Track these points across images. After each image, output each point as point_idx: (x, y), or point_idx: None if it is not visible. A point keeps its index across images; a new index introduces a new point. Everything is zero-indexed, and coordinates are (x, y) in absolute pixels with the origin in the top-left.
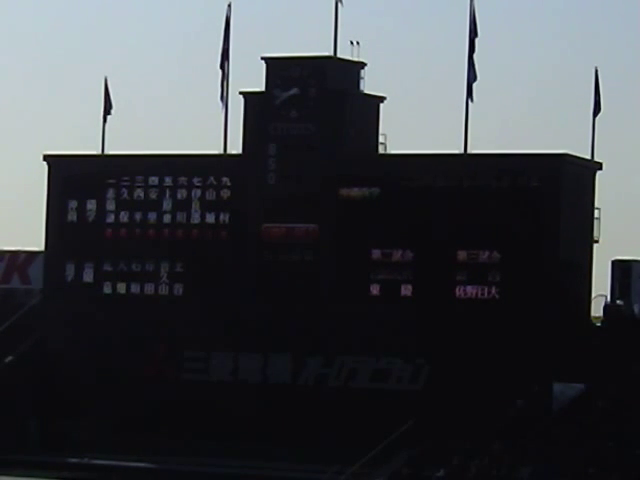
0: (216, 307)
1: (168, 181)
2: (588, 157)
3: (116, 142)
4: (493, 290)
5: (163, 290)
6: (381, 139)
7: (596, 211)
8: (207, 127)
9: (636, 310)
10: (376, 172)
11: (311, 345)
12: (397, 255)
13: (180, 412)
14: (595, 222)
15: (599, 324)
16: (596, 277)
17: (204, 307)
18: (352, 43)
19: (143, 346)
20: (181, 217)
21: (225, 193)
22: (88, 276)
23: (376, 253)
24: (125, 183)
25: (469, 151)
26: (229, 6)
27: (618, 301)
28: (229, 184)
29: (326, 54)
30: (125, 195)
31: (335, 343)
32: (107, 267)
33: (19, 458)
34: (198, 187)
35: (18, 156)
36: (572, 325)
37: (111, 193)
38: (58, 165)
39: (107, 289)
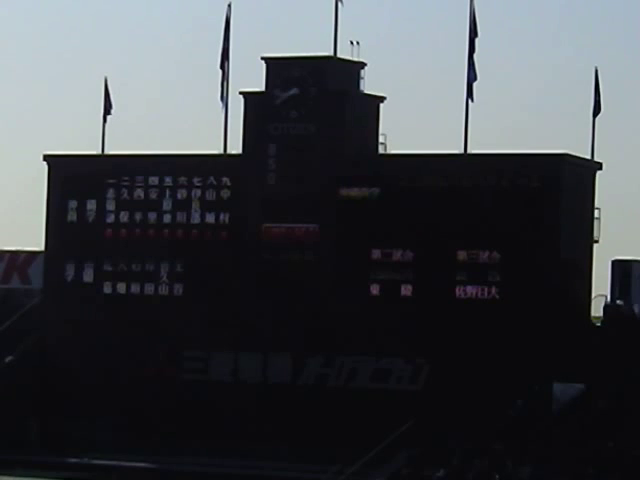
0: (216, 307)
1: (168, 181)
2: (588, 157)
3: (116, 142)
4: (493, 290)
5: (163, 290)
6: (381, 139)
7: (596, 211)
8: (207, 127)
9: (636, 310)
10: (376, 172)
11: (311, 345)
12: (397, 255)
13: (180, 412)
14: (595, 222)
15: (599, 324)
16: (596, 277)
17: (204, 307)
18: (352, 43)
19: (143, 346)
20: (181, 217)
21: (225, 193)
22: (88, 276)
23: (376, 253)
24: (125, 183)
25: (469, 151)
26: (229, 6)
27: (618, 301)
28: (229, 184)
29: (326, 54)
30: (125, 195)
31: (335, 343)
32: (107, 267)
33: (19, 458)
34: (198, 187)
35: (18, 156)
36: (572, 325)
37: (111, 193)
38: (58, 165)
39: (107, 289)
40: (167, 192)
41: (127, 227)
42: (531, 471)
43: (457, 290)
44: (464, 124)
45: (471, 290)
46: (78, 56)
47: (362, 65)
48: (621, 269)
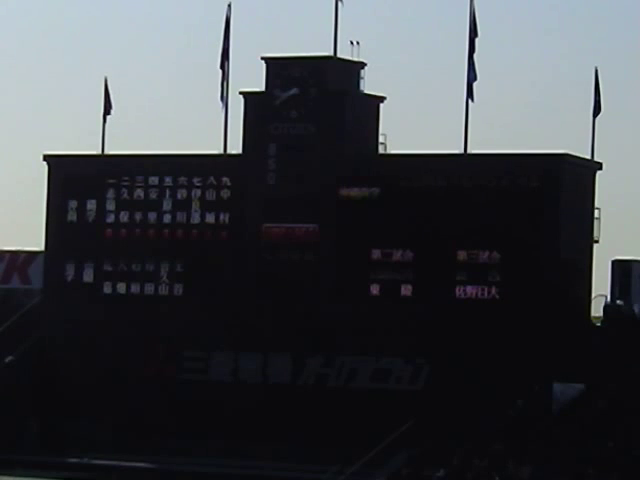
0: (216, 307)
1: (168, 181)
2: (588, 157)
3: (116, 142)
4: (493, 290)
5: (163, 290)
6: (381, 139)
7: (596, 211)
8: (207, 127)
9: (636, 310)
10: (376, 172)
11: (311, 345)
12: (397, 255)
13: (180, 412)
14: (595, 222)
15: (599, 324)
16: (596, 277)
17: (204, 307)
18: (352, 43)
19: (143, 346)
20: (181, 217)
21: (225, 193)
22: (88, 276)
23: (376, 253)
24: (125, 183)
25: (469, 151)
26: (229, 6)
27: (618, 301)
28: (229, 184)
29: (326, 54)
30: (125, 195)
31: (335, 343)
32: (107, 267)
33: (19, 458)
34: (198, 187)
35: (18, 156)
36: (572, 325)
37: (111, 193)
38: (58, 165)
39: (107, 289)
40: (167, 192)
41: (127, 227)
42: (531, 471)
43: (457, 290)
44: (464, 124)
45: (471, 290)
46: (78, 56)
47: (362, 65)
48: (621, 269)
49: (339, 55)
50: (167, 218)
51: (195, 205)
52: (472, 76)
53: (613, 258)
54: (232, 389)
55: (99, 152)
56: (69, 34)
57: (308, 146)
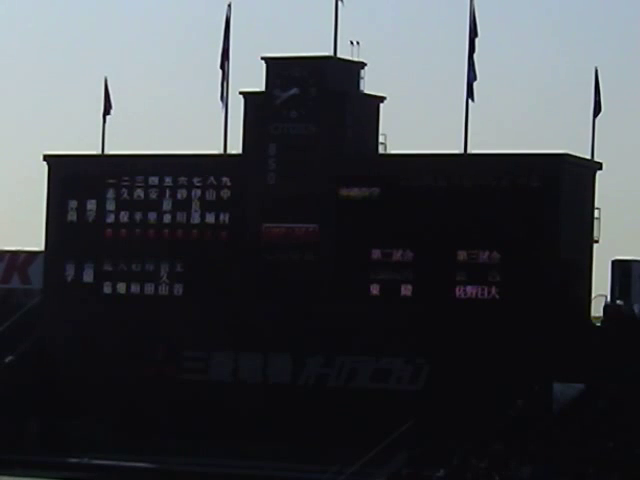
0: (216, 307)
1: (168, 181)
2: (588, 157)
3: (116, 142)
4: (493, 290)
5: (163, 290)
6: (381, 139)
7: (596, 211)
8: (207, 127)
9: (636, 310)
10: (376, 172)
11: (311, 345)
12: (397, 255)
13: (180, 412)
14: (595, 222)
15: (599, 324)
16: (596, 277)
17: (204, 307)
18: (352, 43)
19: (143, 346)
20: (181, 217)
21: (225, 193)
22: (88, 276)
23: (376, 253)
24: (125, 183)
25: (469, 151)
26: (229, 6)
27: (618, 301)
28: (229, 184)
29: (326, 54)
30: (125, 195)
31: (335, 343)
32: (107, 267)
33: (19, 458)
34: (198, 187)
35: (18, 156)
36: (572, 325)
37: (111, 193)
38: (58, 165)
39: (107, 289)
40: (167, 192)
41: (127, 227)
42: (531, 471)
43: (457, 290)
44: (464, 124)
45: (471, 290)
46: (78, 56)
47: (362, 65)
48: (621, 269)
49: (339, 55)
50: (167, 218)
51: (195, 205)
52: (472, 76)
53: (613, 258)
54: (232, 389)
55: (99, 152)
56: (69, 34)
57: (308, 146)
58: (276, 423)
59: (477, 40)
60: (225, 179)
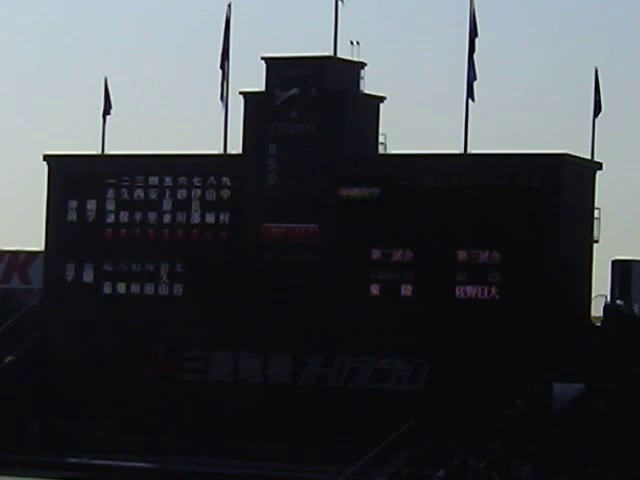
0: (216, 307)
1: (168, 181)
2: (588, 157)
3: (116, 142)
4: (493, 290)
5: (163, 290)
6: (381, 139)
7: (596, 211)
8: (207, 127)
9: (636, 310)
10: (376, 172)
11: (311, 345)
12: (397, 255)
13: (180, 412)
14: (595, 222)
15: (599, 324)
16: (596, 277)
17: (204, 307)
18: (352, 43)
19: (143, 346)
20: (181, 217)
21: (225, 193)
22: (88, 276)
23: (376, 253)
24: (125, 183)
25: (469, 151)
26: (229, 6)
27: (618, 301)
28: (229, 184)
29: (326, 54)
30: (125, 195)
31: (335, 343)
32: (107, 267)
33: (19, 458)
34: (198, 187)
35: (18, 156)
36: (572, 325)
37: (111, 193)
38: (58, 165)
39: (107, 289)
40: (167, 192)
41: (127, 227)
42: (531, 471)
43: (457, 290)
44: (464, 124)
45: (471, 290)
46: (78, 56)
47: (362, 65)
48: (621, 269)
49: (339, 55)
50: (167, 218)
51: (195, 205)
52: (472, 76)
53: (613, 258)
54: (232, 389)
55: (99, 152)
56: (69, 34)
57: (308, 146)
58: (276, 423)
59: (477, 40)
60: (225, 179)
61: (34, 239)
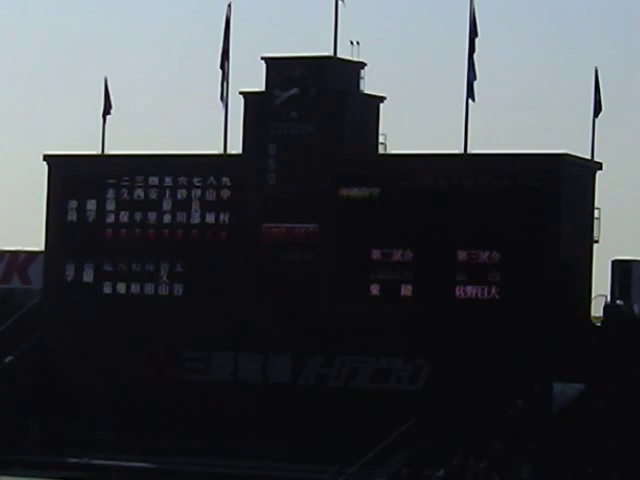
0: (216, 307)
1: (168, 181)
2: (588, 157)
3: (116, 142)
4: (493, 290)
5: (163, 290)
6: (381, 139)
7: (596, 211)
8: (207, 127)
9: (636, 310)
10: (376, 172)
11: (311, 345)
12: (397, 255)
13: (180, 412)
14: (595, 222)
15: (599, 324)
16: (596, 277)
17: (204, 307)
18: (352, 43)
19: (143, 346)
20: (181, 217)
21: (225, 193)
22: (88, 276)
23: (376, 253)
24: (125, 183)
25: (469, 151)
26: (229, 6)
27: (618, 301)
28: (229, 184)
29: (326, 54)
30: (125, 195)
31: (335, 343)
32: (107, 267)
33: (19, 458)
34: (198, 187)
35: (18, 156)
36: (572, 325)
37: (111, 193)
38: (58, 165)
39: (107, 289)
40: (167, 192)
41: (127, 227)
42: (531, 471)
43: (457, 290)
44: (464, 124)
45: (471, 290)
46: (78, 56)
47: (362, 65)
48: (621, 269)
49: (339, 55)
50: (167, 218)
51: (195, 205)
52: (472, 76)
53: (613, 258)
54: (232, 389)
55: (99, 152)
56: (69, 34)
57: (308, 146)
58: (276, 423)
59: (477, 40)
60: (225, 179)
61: (34, 239)
